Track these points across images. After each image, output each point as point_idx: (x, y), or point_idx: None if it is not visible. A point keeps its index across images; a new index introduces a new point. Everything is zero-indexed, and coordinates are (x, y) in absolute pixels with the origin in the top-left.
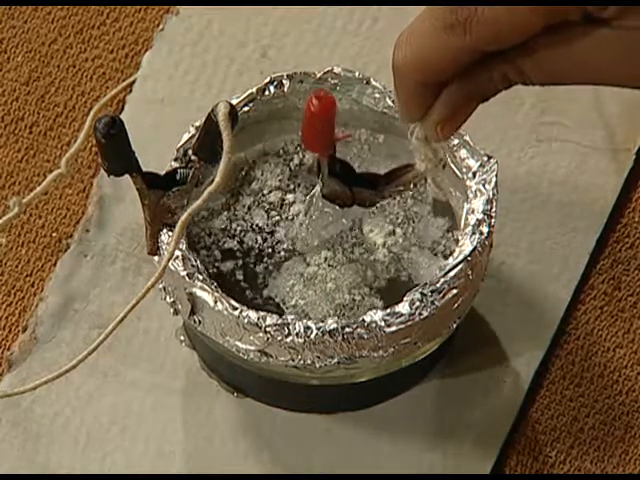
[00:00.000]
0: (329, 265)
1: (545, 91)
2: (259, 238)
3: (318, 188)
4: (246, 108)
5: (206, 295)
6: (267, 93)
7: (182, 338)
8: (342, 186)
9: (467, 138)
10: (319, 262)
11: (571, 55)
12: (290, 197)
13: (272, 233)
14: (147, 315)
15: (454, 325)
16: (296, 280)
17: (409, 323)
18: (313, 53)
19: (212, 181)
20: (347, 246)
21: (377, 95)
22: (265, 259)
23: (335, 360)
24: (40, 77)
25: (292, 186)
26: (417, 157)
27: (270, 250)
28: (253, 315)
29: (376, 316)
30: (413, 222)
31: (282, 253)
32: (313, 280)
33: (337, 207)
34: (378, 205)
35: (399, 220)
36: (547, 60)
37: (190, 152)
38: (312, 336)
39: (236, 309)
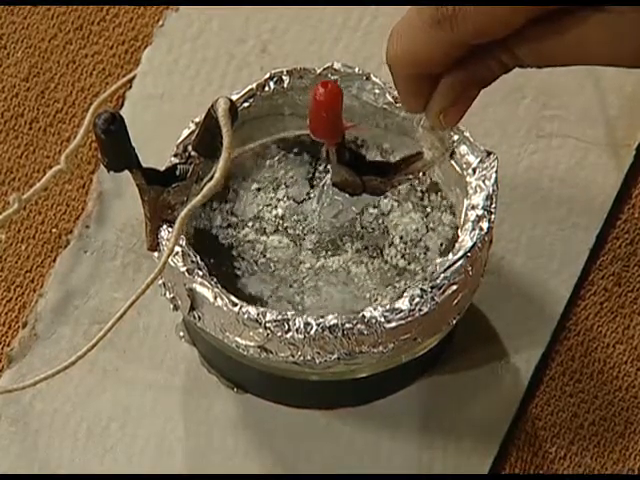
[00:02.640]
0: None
1: (546, 85)
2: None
3: (328, 177)
4: (246, 104)
5: (206, 291)
6: (267, 89)
7: (182, 334)
8: (352, 174)
9: (467, 134)
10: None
11: (565, 41)
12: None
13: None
14: (147, 311)
15: (454, 321)
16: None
17: (409, 319)
18: (313, 49)
19: (212, 177)
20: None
21: (377, 91)
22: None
23: (335, 356)
24: (40, 73)
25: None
26: (424, 146)
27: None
28: (253, 311)
29: (376, 312)
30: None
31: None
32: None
33: (347, 195)
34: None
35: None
36: (542, 46)
37: (190, 148)
38: (312, 332)
39: (236, 305)
